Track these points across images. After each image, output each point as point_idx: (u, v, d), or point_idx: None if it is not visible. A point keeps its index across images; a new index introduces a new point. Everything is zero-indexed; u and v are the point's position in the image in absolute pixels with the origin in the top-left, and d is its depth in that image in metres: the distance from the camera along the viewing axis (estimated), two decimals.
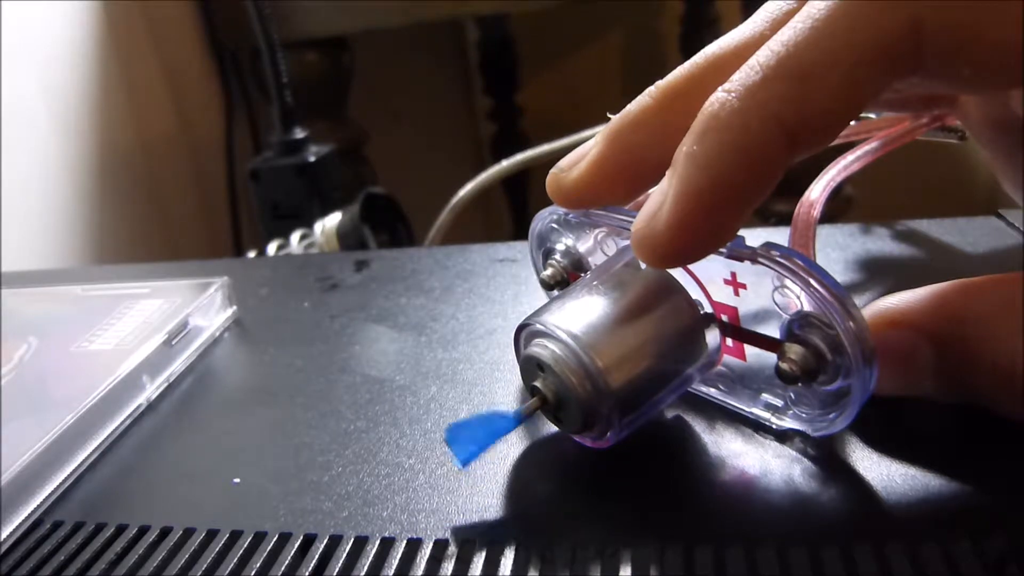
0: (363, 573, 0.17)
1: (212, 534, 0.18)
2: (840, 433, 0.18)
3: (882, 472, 0.17)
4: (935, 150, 0.29)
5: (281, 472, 0.20)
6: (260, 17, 0.61)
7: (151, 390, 0.25)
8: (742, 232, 0.17)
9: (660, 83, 0.20)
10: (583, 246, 0.22)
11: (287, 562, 0.17)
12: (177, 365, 0.27)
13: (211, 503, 0.20)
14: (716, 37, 0.20)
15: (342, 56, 0.85)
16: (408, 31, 0.95)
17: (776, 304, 0.18)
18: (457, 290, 0.30)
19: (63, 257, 0.63)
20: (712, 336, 0.19)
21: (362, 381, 0.24)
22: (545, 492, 0.19)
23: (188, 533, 0.19)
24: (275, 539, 0.18)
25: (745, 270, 0.18)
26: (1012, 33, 0.15)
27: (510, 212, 1.14)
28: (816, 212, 0.22)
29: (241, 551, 0.18)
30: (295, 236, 0.54)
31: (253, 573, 0.17)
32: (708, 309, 0.19)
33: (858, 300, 0.20)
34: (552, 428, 0.20)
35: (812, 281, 0.16)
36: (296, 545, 0.18)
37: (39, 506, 0.20)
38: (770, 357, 0.18)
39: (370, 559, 0.17)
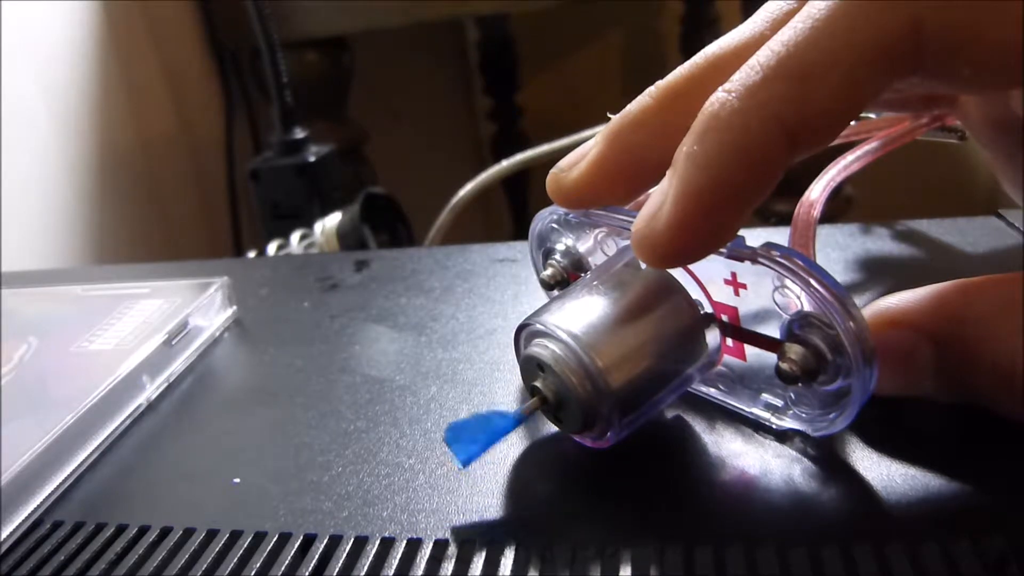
0: (363, 573, 0.17)
1: (212, 534, 0.18)
2: (840, 433, 0.18)
3: (882, 472, 0.17)
4: (935, 150, 0.29)
5: (281, 472, 0.20)
6: (260, 17, 0.61)
7: (151, 390, 0.25)
8: (742, 232, 0.17)
9: (660, 83, 0.20)
10: (583, 246, 0.22)
11: (287, 562, 0.17)
12: (177, 365, 0.27)
13: (211, 503, 0.20)
14: (716, 37, 0.20)
15: (342, 56, 0.85)
16: (408, 31, 0.95)
17: (776, 304, 0.18)
18: (457, 290, 0.30)
19: (63, 257, 0.63)
20: (712, 336, 0.19)
21: (362, 381, 0.24)
22: (545, 492, 0.19)
23: (188, 533, 0.19)
24: (275, 539, 0.18)
25: (745, 270, 0.18)
26: (1012, 33, 0.15)
27: (510, 212, 1.14)
28: (816, 212, 0.22)
29: (241, 551, 0.18)
30: (295, 236, 0.54)
31: (253, 573, 0.17)
32: (708, 309, 0.19)
33: (858, 300, 0.20)
34: (552, 428, 0.20)
35: (812, 281, 0.16)
36: (296, 545, 0.18)
37: (39, 506, 0.20)
38: (770, 357, 0.18)
39: (370, 559, 0.17)
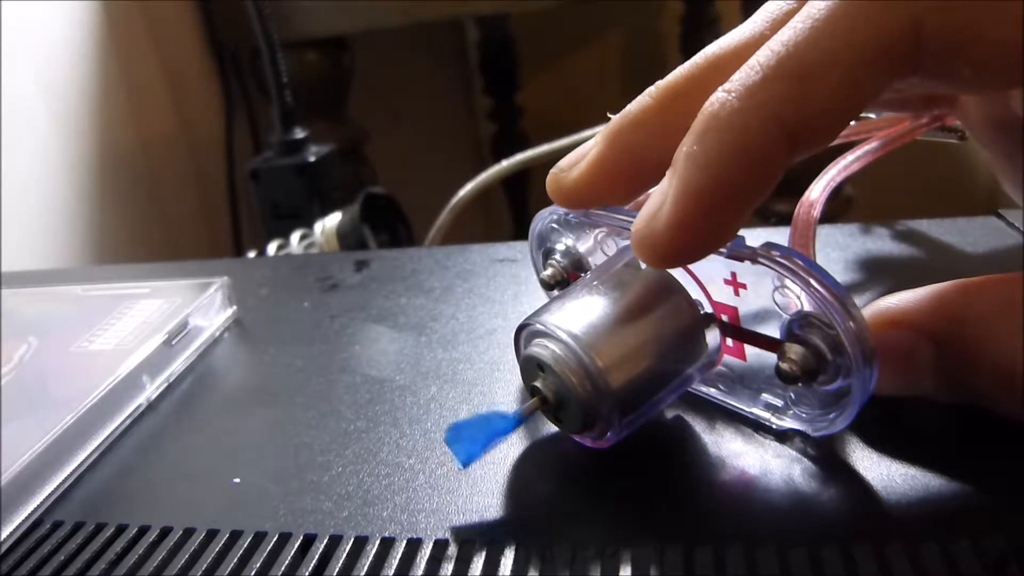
0: (363, 573, 0.17)
1: (212, 534, 0.18)
2: (840, 433, 0.18)
3: (882, 472, 0.17)
4: (935, 150, 0.29)
5: (281, 472, 0.20)
6: (260, 17, 0.61)
7: (151, 390, 0.25)
8: (742, 232, 0.17)
9: (660, 83, 0.20)
10: (583, 246, 0.22)
11: (287, 562, 0.17)
12: (177, 365, 0.27)
13: (211, 503, 0.20)
14: (716, 37, 0.20)
15: (342, 56, 0.85)
16: (408, 31, 0.95)
17: (776, 304, 0.18)
18: (457, 290, 0.30)
19: (63, 257, 0.63)
20: (712, 336, 0.19)
21: (362, 381, 0.24)
22: (545, 492, 0.19)
23: (188, 533, 0.19)
24: (275, 539, 0.18)
25: (745, 270, 0.18)
26: (1012, 33, 0.15)
27: (510, 212, 1.14)
28: (816, 212, 0.22)
29: (241, 551, 0.18)
30: (295, 236, 0.54)
31: (253, 573, 0.17)
32: (708, 309, 0.19)
33: (858, 300, 0.20)
34: (552, 428, 0.20)
35: (812, 281, 0.16)
36: (296, 545, 0.18)
37: (39, 506, 0.20)
38: (770, 357, 0.18)
39: (370, 559, 0.17)
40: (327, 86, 0.85)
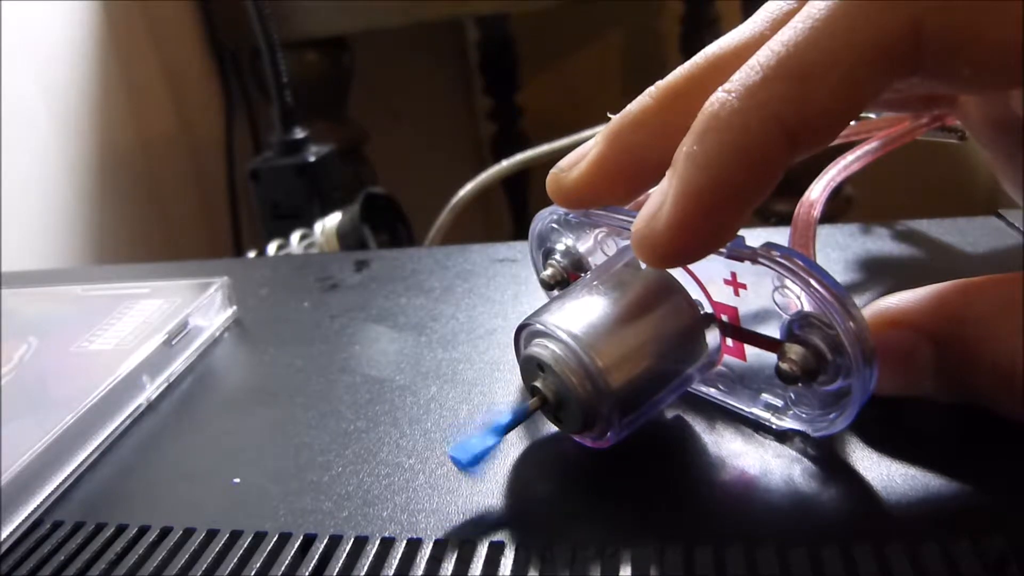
0: (363, 573, 0.17)
1: (212, 534, 0.18)
2: (840, 433, 0.18)
3: (882, 472, 0.17)
4: (935, 150, 0.29)
5: (281, 472, 0.20)
6: (260, 17, 0.61)
7: (151, 390, 0.25)
8: (742, 232, 0.17)
9: (660, 83, 0.20)
10: (583, 246, 0.22)
11: (287, 562, 0.17)
12: (177, 365, 0.27)
13: (211, 503, 0.20)
14: (716, 37, 0.20)
15: (342, 56, 0.85)
16: (408, 31, 0.95)
17: (776, 304, 0.18)
18: (457, 290, 0.30)
19: (63, 257, 0.63)
20: (712, 336, 0.19)
21: (362, 381, 0.24)
22: (545, 492, 0.19)
23: (188, 533, 0.19)
24: (275, 539, 0.18)
25: (745, 270, 0.18)
26: (1012, 33, 0.15)
27: (510, 212, 1.14)
28: (816, 212, 0.22)
29: (241, 551, 0.18)
30: (295, 236, 0.54)
31: (253, 573, 0.17)
32: (708, 309, 0.19)
33: (858, 300, 0.20)
34: (552, 428, 0.20)
35: (812, 281, 0.16)
36: (296, 545, 0.18)
37: (39, 506, 0.20)
38: (770, 357, 0.18)
39: (370, 559, 0.17)
40: (327, 86, 0.84)
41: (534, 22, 1.08)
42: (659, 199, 0.17)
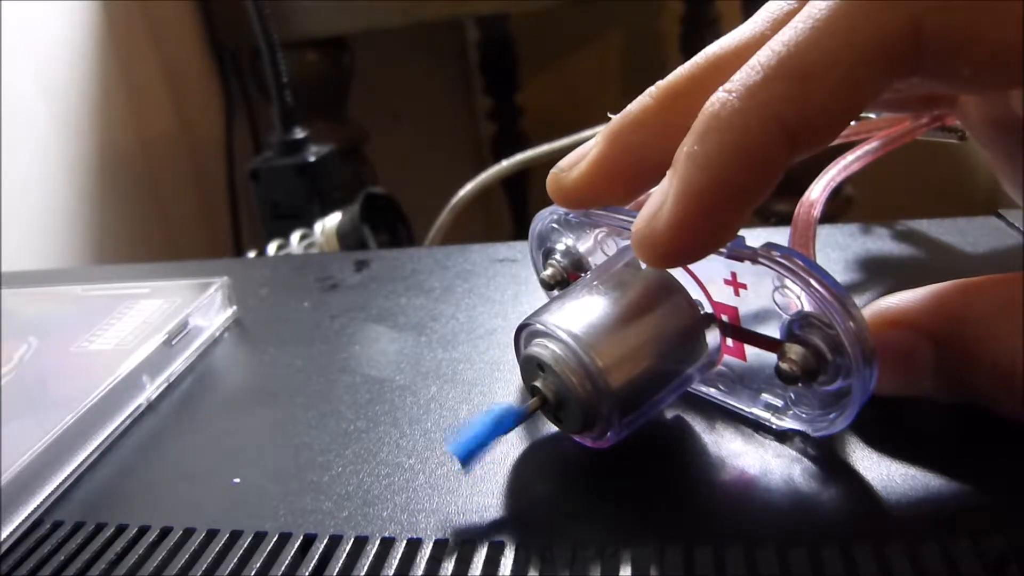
0: (363, 573, 0.17)
1: (212, 534, 0.18)
2: (840, 433, 0.18)
3: (882, 472, 0.17)
4: (935, 150, 0.29)
5: (281, 472, 0.20)
6: (260, 17, 0.61)
7: (151, 390, 0.25)
8: (742, 232, 0.17)
9: (660, 83, 0.20)
10: (583, 246, 0.22)
11: (287, 562, 0.17)
12: (177, 365, 0.27)
13: (211, 503, 0.20)
14: (716, 37, 0.20)
15: (342, 56, 0.85)
16: (408, 31, 0.95)
17: (776, 304, 0.18)
18: (457, 290, 0.30)
19: (63, 257, 0.63)
20: (712, 336, 0.19)
21: (362, 381, 0.24)
22: (545, 492, 0.19)
23: (188, 533, 0.19)
24: (275, 539, 0.18)
25: (745, 270, 0.18)
26: (1012, 33, 0.15)
27: (510, 212, 1.14)
28: (816, 212, 0.22)
29: (241, 551, 0.18)
30: (295, 236, 0.54)
31: (253, 573, 0.17)
32: (708, 309, 0.19)
33: (858, 300, 0.20)
34: (552, 428, 0.20)
35: (812, 281, 0.16)
36: (296, 545, 0.18)
37: (39, 506, 0.20)
38: (770, 357, 0.18)
39: (370, 559, 0.17)
40: (327, 86, 0.85)
41: (534, 22, 1.08)
42: (659, 199, 0.17)
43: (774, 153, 0.16)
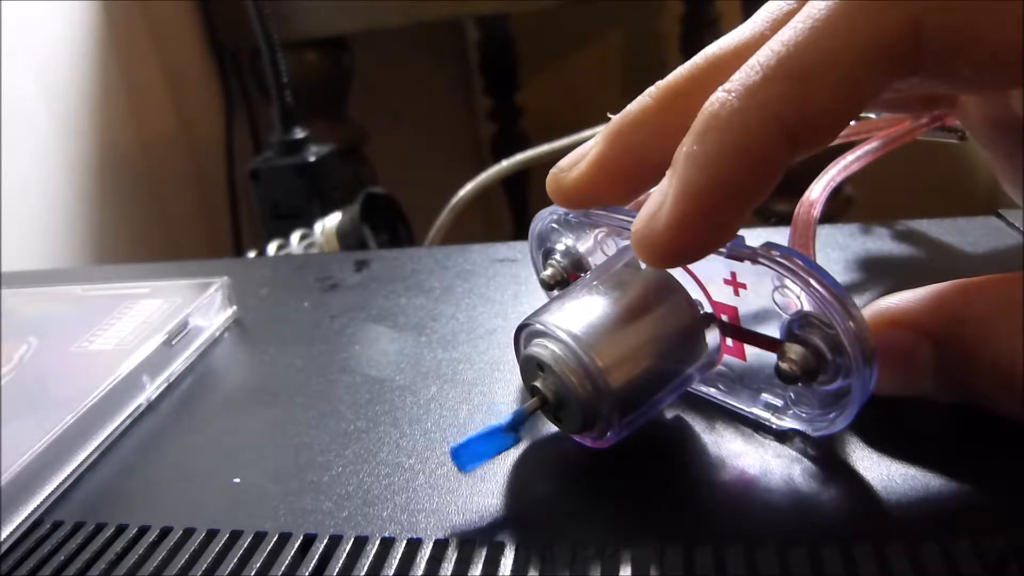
0: (363, 573, 0.17)
1: (212, 534, 0.18)
2: (840, 433, 0.18)
3: (882, 472, 0.17)
4: (935, 150, 0.29)
5: (281, 472, 0.20)
6: (260, 17, 0.61)
7: (151, 390, 0.25)
8: (742, 232, 0.17)
9: (660, 83, 0.20)
10: (583, 246, 0.22)
11: (287, 562, 0.17)
12: (177, 365, 0.27)
13: (211, 503, 0.20)
14: (716, 37, 0.20)
15: (342, 56, 0.85)
16: (408, 31, 0.95)
17: (776, 304, 0.18)
18: (457, 290, 0.30)
19: (63, 257, 0.63)
20: (712, 336, 0.19)
21: (362, 381, 0.24)
22: (545, 492, 0.19)
23: (188, 533, 0.19)
24: (275, 539, 0.18)
25: (745, 270, 0.18)
26: (1012, 33, 0.15)
27: (510, 212, 1.14)
28: (816, 212, 0.22)
29: (241, 551, 0.18)
30: (295, 236, 0.54)
31: (253, 573, 0.17)
32: (708, 309, 0.19)
33: (858, 300, 0.20)
34: (552, 428, 0.20)
35: (812, 281, 0.16)
36: (296, 545, 0.18)
37: (39, 506, 0.20)
38: (770, 357, 0.18)
39: (370, 559, 0.17)
40: (327, 86, 0.85)
41: (534, 22, 1.08)
42: (659, 199, 0.17)
43: (774, 153, 0.16)
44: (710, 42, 0.20)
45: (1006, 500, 0.16)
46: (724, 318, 0.19)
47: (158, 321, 0.28)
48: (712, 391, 0.20)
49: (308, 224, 0.56)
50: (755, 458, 0.18)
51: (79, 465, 0.22)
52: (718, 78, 0.17)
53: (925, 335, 0.18)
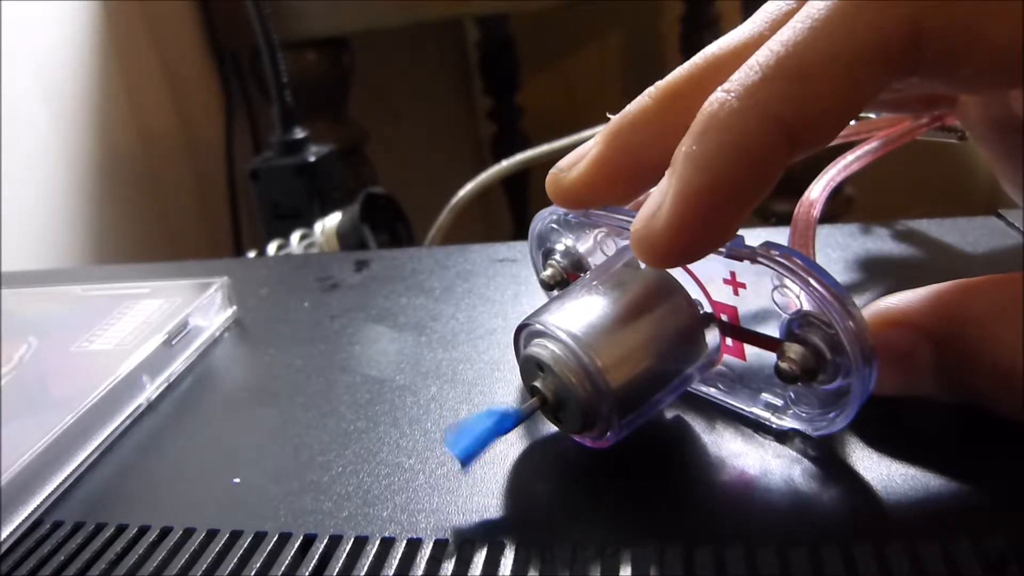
0: (363, 573, 0.17)
1: (212, 534, 0.18)
2: (840, 433, 0.18)
3: (882, 472, 0.17)
4: (935, 150, 0.29)
5: (281, 472, 0.20)
6: (260, 17, 0.61)
7: (151, 390, 0.25)
8: (742, 232, 0.17)
9: (660, 83, 0.20)
10: (583, 246, 0.22)
11: (287, 562, 0.17)
12: (177, 365, 0.27)
13: (211, 503, 0.20)
14: (716, 37, 0.20)
15: (342, 56, 0.85)
16: (408, 31, 0.95)
17: (775, 303, 0.18)
18: (457, 290, 0.30)
19: (63, 257, 0.63)
20: (712, 336, 0.19)
21: (362, 381, 0.24)
22: (545, 492, 0.19)
23: (188, 533, 0.19)
24: (275, 539, 0.18)
25: (744, 269, 0.18)
26: (1012, 34, 0.15)
27: (510, 212, 1.14)
28: (816, 212, 0.22)
29: (241, 551, 0.18)
30: (295, 236, 0.54)
31: (253, 573, 0.17)
32: (708, 309, 0.19)
33: (858, 300, 0.20)
34: (552, 428, 0.20)
35: (811, 280, 0.16)
36: (296, 545, 0.18)
37: (39, 506, 0.20)
38: (770, 356, 0.18)
39: (370, 559, 0.17)
40: (327, 86, 0.85)
41: (534, 22, 1.08)
42: (658, 199, 0.17)
43: (773, 153, 0.16)
44: (710, 42, 0.20)
45: (1006, 500, 0.16)
46: (724, 318, 0.19)
47: (158, 321, 0.28)
48: (712, 391, 0.20)
49: (308, 224, 0.56)
50: (755, 458, 0.18)
51: (79, 465, 0.22)
52: (717, 78, 0.17)
53: (925, 335, 0.18)
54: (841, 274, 0.27)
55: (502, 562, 0.16)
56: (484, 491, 0.19)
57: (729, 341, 0.19)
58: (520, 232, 1.11)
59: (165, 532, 0.19)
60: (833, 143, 0.18)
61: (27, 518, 0.20)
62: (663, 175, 0.17)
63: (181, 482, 0.21)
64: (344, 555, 0.17)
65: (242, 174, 0.77)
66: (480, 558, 0.17)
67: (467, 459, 0.18)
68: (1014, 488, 0.17)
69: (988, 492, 0.17)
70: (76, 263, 0.65)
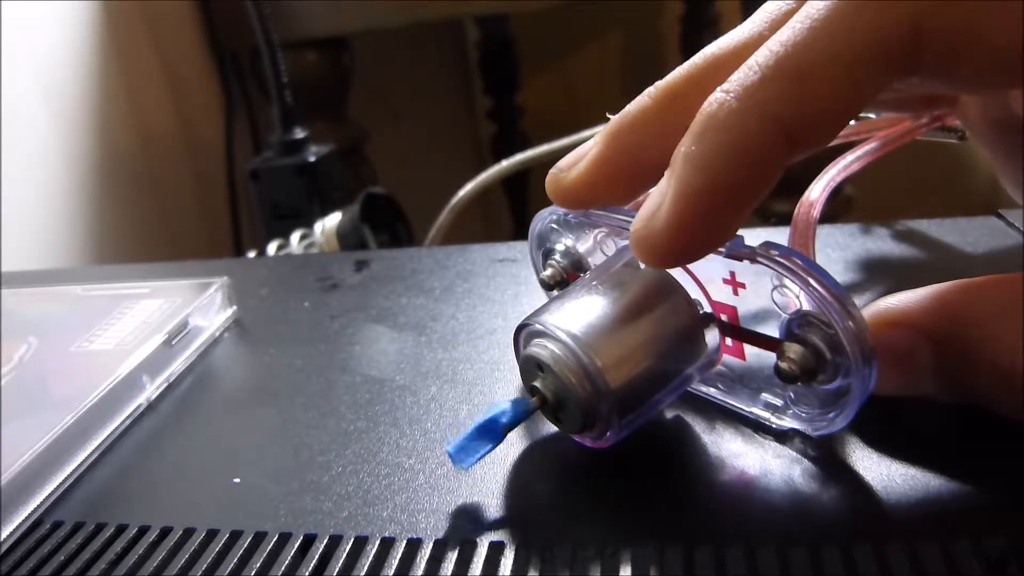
0: (363, 573, 0.17)
1: (212, 534, 0.18)
2: (840, 433, 0.18)
3: (882, 472, 0.17)
4: (935, 150, 0.29)
5: (281, 472, 0.20)
6: (260, 17, 0.61)
7: (151, 390, 0.25)
8: (742, 232, 0.17)
9: (659, 83, 0.20)
10: (583, 246, 0.22)
11: (287, 562, 0.17)
12: (177, 365, 0.27)
13: (211, 503, 0.20)
14: (716, 37, 0.20)
15: (342, 56, 0.85)
16: (408, 31, 0.95)
17: (775, 303, 0.18)
18: (457, 290, 0.30)
19: (63, 257, 0.63)
20: (711, 336, 0.19)
21: (362, 381, 0.24)
22: (545, 492, 0.19)
23: (188, 533, 0.19)
24: (275, 539, 0.18)
25: (744, 269, 0.18)
26: (1012, 34, 0.15)
27: (510, 212, 1.14)
28: (816, 212, 0.22)
29: (241, 551, 0.18)
30: (295, 236, 0.54)
31: (253, 573, 0.17)
32: (707, 309, 0.19)
33: (858, 300, 0.20)
34: (552, 428, 0.20)
35: (811, 280, 0.16)
36: (296, 545, 0.18)
37: (39, 506, 0.20)
38: (770, 356, 0.18)
39: (370, 559, 0.17)
40: (327, 86, 0.85)
41: (534, 22, 1.08)
42: (657, 199, 0.17)
43: (772, 153, 0.16)
44: (710, 42, 0.20)
45: (1006, 500, 0.16)
46: (723, 318, 0.19)
47: (158, 321, 0.28)
48: (712, 391, 0.20)
49: (308, 224, 0.56)
50: (755, 458, 0.18)
51: (79, 465, 0.22)
52: (717, 78, 0.17)
53: (925, 335, 0.18)
54: (841, 274, 0.27)
55: (502, 562, 0.16)
56: (484, 491, 0.19)
57: (729, 341, 0.19)
58: (520, 232, 1.11)
59: (165, 532, 0.19)
60: (833, 143, 0.18)
61: (27, 518, 0.20)
62: (663, 175, 0.17)
63: (181, 482, 0.21)
64: (344, 555, 0.17)
65: (242, 174, 0.77)
66: (480, 558, 0.17)
67: (468, 464, 0.18)
68: (1014, 488, 0.17)
69: (988, 492, 0.17)
70: (76, 263, 0.65)
